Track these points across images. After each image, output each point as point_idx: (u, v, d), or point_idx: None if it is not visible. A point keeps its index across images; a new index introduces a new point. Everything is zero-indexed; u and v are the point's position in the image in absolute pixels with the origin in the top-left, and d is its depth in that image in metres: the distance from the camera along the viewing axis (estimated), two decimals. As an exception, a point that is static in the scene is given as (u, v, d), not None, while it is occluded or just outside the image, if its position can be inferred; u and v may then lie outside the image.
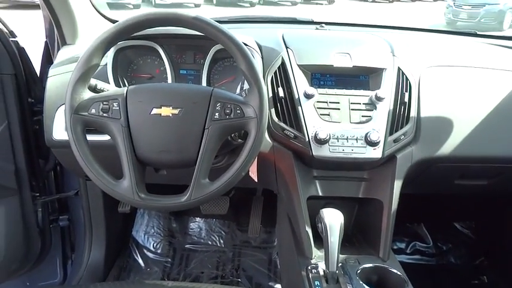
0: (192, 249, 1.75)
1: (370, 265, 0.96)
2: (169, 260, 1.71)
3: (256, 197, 1.78)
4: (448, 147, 1.06)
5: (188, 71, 1.14)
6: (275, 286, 1.58)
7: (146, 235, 1.78)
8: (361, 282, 0.89)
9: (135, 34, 0.85)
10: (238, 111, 0.83)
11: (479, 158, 1.08)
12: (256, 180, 1.02)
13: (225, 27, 0.82)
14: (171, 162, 0.86)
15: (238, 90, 1.10)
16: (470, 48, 1.35)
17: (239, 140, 0.96)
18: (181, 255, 1.72)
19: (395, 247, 1.75)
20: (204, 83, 1.09)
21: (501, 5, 8.79)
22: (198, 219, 1.83)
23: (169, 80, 1.10)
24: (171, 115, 0.82)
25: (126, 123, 0.82)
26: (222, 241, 1.78)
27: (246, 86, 1.06)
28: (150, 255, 1.72)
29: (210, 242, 1.78)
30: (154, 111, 0.82)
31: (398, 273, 0.94)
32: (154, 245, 1.76)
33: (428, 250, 1.74)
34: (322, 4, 13.54)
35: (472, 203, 1.70)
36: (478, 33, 1.52)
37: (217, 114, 0.83)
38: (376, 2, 14.65)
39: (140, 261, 1.70)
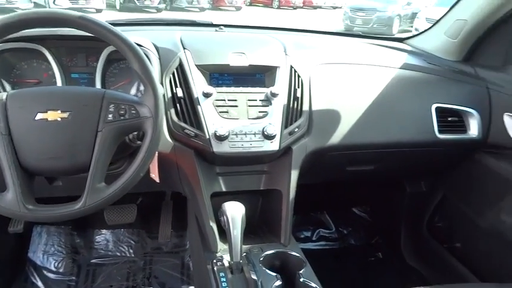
0: (99, 263, 1.66)
1: (272, 251, 1.01)
2: (74, 278, 1.59)
3: (165, 202, 1.75)
4: (337, 137, 1.16)
5: (80, 75, 1.08)
6: (189, 289, 1.57)
7: (45, 255, 1.64)
8: (264, 268, 0.94)
9: (12, 36, 0.79)
10: (133, 112, 0.82)
11: (364, 145, 1.20)
12: (158, 181, 1.01)
13: (115, 28, 0.80)
14: (62, 169, 0.82)
15: (134, 91, 1.08)
16: (355, 48, 1.49)
17: (138, 142, 0.95)
18: (86, 272, 1.62)
19: (302, 236, 1.85)
20: (98, 86, 1.05)
21: (389, 11, 9.79)
22: (104, 231, 1.74)
23: (59, 85, 1.04)
24: (59, 119, 0.78)
25: (6, 131, 0.76)
26: (131, 251, 1.71)
27: (142, 87, 1.04)
28: (51, 275, 1.59)
29: (118, 254, 1.70)
30: (40, 116, 0.77)
31: (297, 255, 1.00)
32: (56, 264, 1.63)
33: (332, 235, 1.88)
34: (229, 11, 13.79)
35: (366, 189, 1.87)
36: (361, 34, 1.69)
37: (110, 115, 0.81)
38: (281, 8, 15.41)
39: (40, 284, 1.56)
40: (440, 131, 1.25)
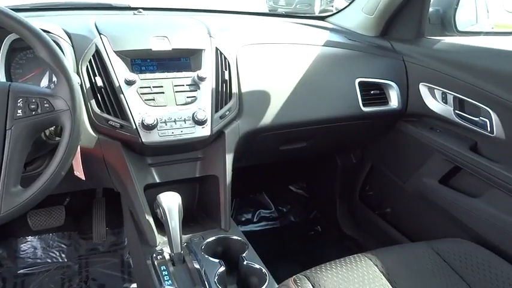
0: (28, 273, 1.53)
1: (213, 238, 1.00)
2: (0, 292, 1.46)
3: (96, 200, 1.65)
4: (268, 117, 1.16)
5: None
6: (131, 287, 1.51)
7: (-36, 272, 1.49)
8: (206, 256, 0.93)
9: None
10: (46, 105, 0.75)
11: (295, 123, 1.21)
12: (83, 179, 0.94)
13: (15, 13, 0.72)
14: None
15: (46, 83, 0.98)
16: (280, 27, 1.50)
17: (57, 139, 0.87)
18: (14, 284, 1.49)
19: (243, 219, 1.86)
20: (2, 79, 0.94)
21: (310, -9, 9.99)
22: (29, 238, 1.60)
23: None
24: None
25: None
26: (64, 255, 1.60)
27: (55, 77, 0.96)
28: (-27, 294, 1.45)
29: (49, 260, 1.58)
30: None
31: (239, 238, 1.00)
32: (-23, 281, 1.48)
33: (272, 215, 1.91)
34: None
35: (301, 167, 1.92)
36: (285, 14, 1.70)
37: (20, 111, 0.73)
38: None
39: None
40: (364, 105, 1.30)
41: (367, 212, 1.64)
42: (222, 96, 1.07)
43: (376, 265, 0.96)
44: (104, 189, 1.63)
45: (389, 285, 0.91)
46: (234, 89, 1.10)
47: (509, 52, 1.11)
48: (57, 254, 1.60)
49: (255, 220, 1.89)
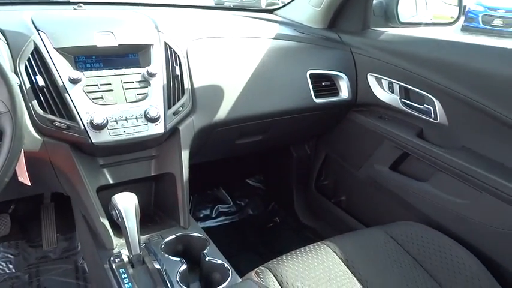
0: (-28, 287, 1.43)
1: (173, 236, 0.98)
2: None
3: (44, 205, 1.57)
4: (222, 112, 1.15)
5: None
6: (87, 293, 1.45)
7: None
8: (166, 255, 0.91)
9: None
10: None
11: (249, 117, 1.22)
12: (29, 184, 0.88)
13: None
14: None
15: None
16: (229, 21, 1.48)
17: None
18: (-43, 300, 1.38)
19: (201, 215, 1.85)
20: None
21: (256, -16, 10.00)
22: (-28, 250, 1.49)
23: None
24: None
25: None
26: (11, 266, 1.50)
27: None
28: None
29: (-5, 272, 1.48)
30: None
31: (199, 235, 0.99)
32: None
33: (230, 209, 1.91)
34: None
35: (257, 160, 1.93)
36: (232, 7, 1.69)
37: None
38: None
39: None
40: (316, 96, 1.33)
41: (323, 201, 1.68)
42: (174, 92, 1.04)
43: (335, 252, 0.99)
44: (52, 193, 1.55)
45: (348, 271, 0.95)
46: (186, 85, 1.08)
47: (448, 42, 1.18)
48: (4, 265, 1.50)
49: (213, 216, 1.88)
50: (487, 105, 1.03)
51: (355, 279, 0.92)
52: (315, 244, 1.01)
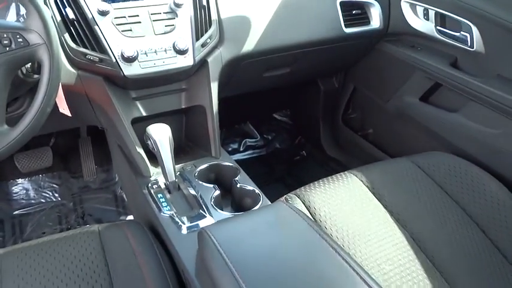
0: (24, 213, 1.56)
1: (206, 165, 1.03)
2: (-1, 233, 1.50)
3: (82, 139, 1.65)
4: (250, 43, 1.14)
5: None
6: (127, 218, 1.57)
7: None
8: (200, 182, 0.96)
9: None
10: (20, 40, 0.72)
11: (277, 48, 1.20)
12: (70, 115, 0.93)
13: None
14: None
15: (13, 17, 0.93)
16: None
17: (35, 76, 0.85)
18: (11, 224, 1.52)
19: (229, 149, 1.90)
20: None
21: None
22: (20, 180, 1.61)
23: None
24: None
25: None
26: (57, 195, 1.63)
27: (23, 10, 0.90)
28: (-28, 237, 1.48)
29: (43, 200, 1.61)
30: None
31: (231, 164, 1.03)
32: (-26, 225, 1.51)
33: (258, 143, 1.95)
34: None
35: (284, 94, 1.93)
36: None
37: None
38: None
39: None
40: (346, 25, 1.29)
41: (350, 134, 1.69)
42: (201, 23, 1.03)
43: (362, 180, 1.01)
44: (88, 128, 1.62)
45: (375, 198, 0.98)
46: (214, 16, 1.06)
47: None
48: (50, 194, 1.62)
49: (241, 149, 1.93)
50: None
51: (380, 205, 0.96)
52: (341, 173, 1.03)
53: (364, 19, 1.34)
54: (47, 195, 1.62)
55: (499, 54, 1.10)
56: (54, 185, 1.64)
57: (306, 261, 0.60)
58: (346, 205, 0.94)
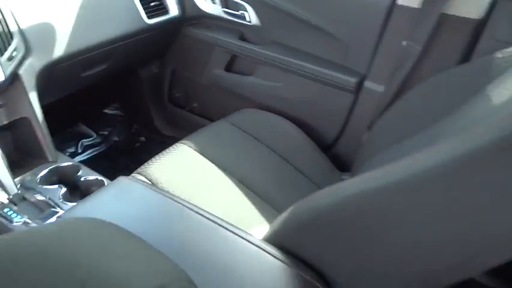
0: None
1: (46, 170, 1.08)
2: None
3: None
4: (58, 48, 1.19)
5: None
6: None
7: None
8: (44, 187, 1.02)
9: None
10: None
11: (87, 48, 1.27)
12: None
13: None
14: None
15: None
16: None
17: None
18: None
19: (67, 154, 1.88)
20: None
21: None
22: None
23: None
24: None
25: None
26: None
27: None
28: None
29: None
30: None
31: (70, 163, 1.11)
32: None
33: (95, 141, 1.97)
34: None
35: (110, 89, 1.98)
36: None
37: None
38: None
39: None
40: (148, 17, 1.43)
41: (178, 111, 1.87)
42: (1, 38, 1.04)
43: (190, 147, 1.21)
44: None
45: (204, 158, 1.18)
46: (13, 27, 1.08)
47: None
48: None
49: (80, 151, 1.93)
50: (286, 7, 1.30)
51: (210, 162, 1.16)
52: (173, 145, 1.21)
53: (163, 9, 1.51)
54: None
55: (270, 25, 1.42)
56: None
57: (157, 218, 0.74)
58: (182, 169, 1.12)
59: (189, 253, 0.67)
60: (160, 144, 1.95)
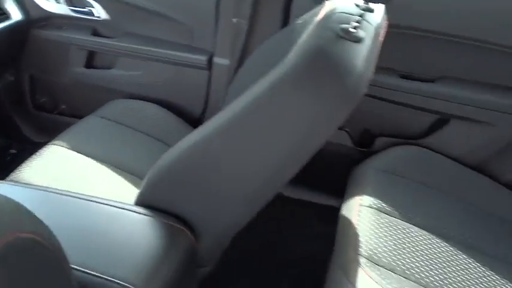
0: None
1: None
2: None
3: None
4: None
5: None
6: None
7: None
8: None
9: None
10: None
11: None
12: None
13: None
14: None
15: None
16: None
17: None
18: None
19: None
20: None
21: None
22: None
23: None
24: None
25: None
26: None
27: None
28: None
29: None
30: None
31: None
32: None
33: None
34: None
35: None
36: None
37: None
38: None
39: None
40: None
41: (47, 116, 1.83)
42: None
43: (62, 146, 1.24)
44: None
45: (78, 153, 1.22)
46: None
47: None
48: None
49: None
50: (130, 0, 1.38)
51: (85, 156, 1.20)
52: (43, 148, 1.23)
53: (3, 14, 1.47)
54: None
55: (119, 18, 1.49)
56: None
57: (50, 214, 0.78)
58: (56, 168, 1.13)
59: (66, 230, 0.75)
60: (34, 153, 1.89)
